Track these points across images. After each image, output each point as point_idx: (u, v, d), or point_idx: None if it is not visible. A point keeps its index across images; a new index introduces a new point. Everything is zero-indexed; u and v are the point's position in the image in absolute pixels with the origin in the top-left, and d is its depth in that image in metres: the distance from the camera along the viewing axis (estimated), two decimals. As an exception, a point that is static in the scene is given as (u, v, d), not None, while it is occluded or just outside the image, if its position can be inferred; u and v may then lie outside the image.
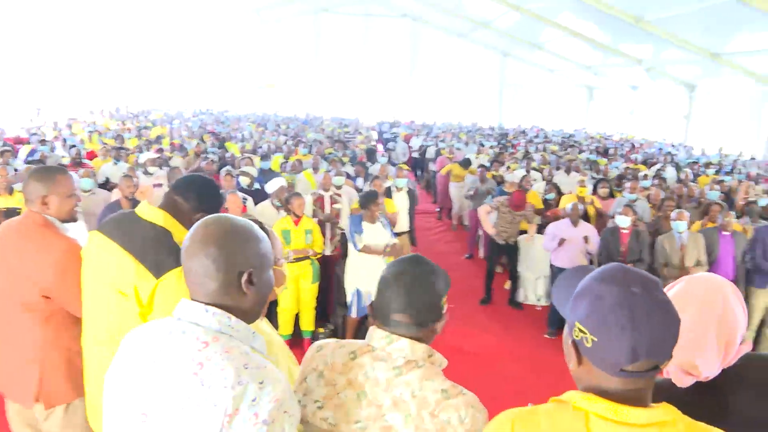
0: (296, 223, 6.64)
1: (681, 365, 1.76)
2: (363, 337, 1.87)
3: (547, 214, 9.10)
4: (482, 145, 16.75)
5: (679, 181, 11.29)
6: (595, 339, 1.35)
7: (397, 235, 7.55)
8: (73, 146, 11.72)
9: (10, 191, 6.94)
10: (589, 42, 21.09)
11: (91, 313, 2.62)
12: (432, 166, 16.05)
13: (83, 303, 2.66)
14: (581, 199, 8.55)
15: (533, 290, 8.91)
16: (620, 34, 19.14)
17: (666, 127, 23.63)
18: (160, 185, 8.33)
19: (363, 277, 6.46)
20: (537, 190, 9.82)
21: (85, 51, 22.96)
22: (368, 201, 6.51)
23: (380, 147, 19.98)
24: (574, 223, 7.62)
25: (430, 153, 17.31)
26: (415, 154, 19.00)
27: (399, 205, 8.35)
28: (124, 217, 2.63)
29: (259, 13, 25.45)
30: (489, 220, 8.56)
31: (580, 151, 17.55)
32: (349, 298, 6.66)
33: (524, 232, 8.80)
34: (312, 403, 1.80)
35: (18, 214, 4.24)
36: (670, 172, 13.19)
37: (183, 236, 2.54)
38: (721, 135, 20.59)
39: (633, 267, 1.41)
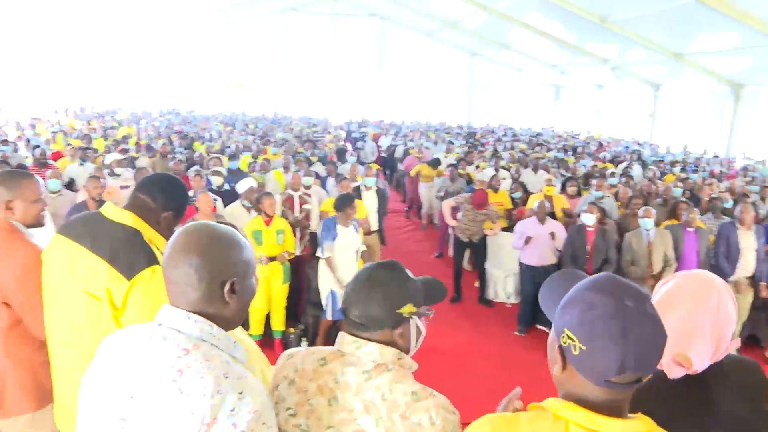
0: (267, 223, 6.61)
1: (674, 357, 1.79)
2: (334, 339, 1.88)
3: (515, 213, 9.18)
4: (451, 144, 16.80)
5: (648, 179, 11.44)
6: (584, 348, 1.35)
7: (367, 234, 7.55)
8: (37, 146, 11.53)
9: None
10: (556, 41, 21.28)
11: (56, 318, 2.56)
12: (401, 166, 16.08)
13: (47, 308, 2.59)
14: (548, 198, 8.62)
15: (503, 288, 8.97)
16: (586, 34, 19.35)
17: (632, 125, 23.94)
18: (127, 187, 8.22)
19: (337, 279, 6.46)
20: (505, 189, 9.90)
21: (48, 49, 22.57)
22: (344, 204, 6.49)
23: (349, 146, 19.94)
24: (541, 221, 7.68)
25: (399, 152, 17.32)
26: (384, 154, 19.02)
27: (368, 204, 8.34)
28: (90, 218, 2.58)
29: (227, 13, 25.24)
30: (450, 214, 8.65)
31: (548, 150, 17.72)
32: (324, 301, 6.63)
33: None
34: (284, 410, 1.79)
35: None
36: (636, 170, 13.38)
37: (152, 236, 2.52)
38: (685, 133, 20.94)
39: (622, 278, 1.42)
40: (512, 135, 23.56)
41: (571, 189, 9.54)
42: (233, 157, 10.43)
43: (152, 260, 2.43)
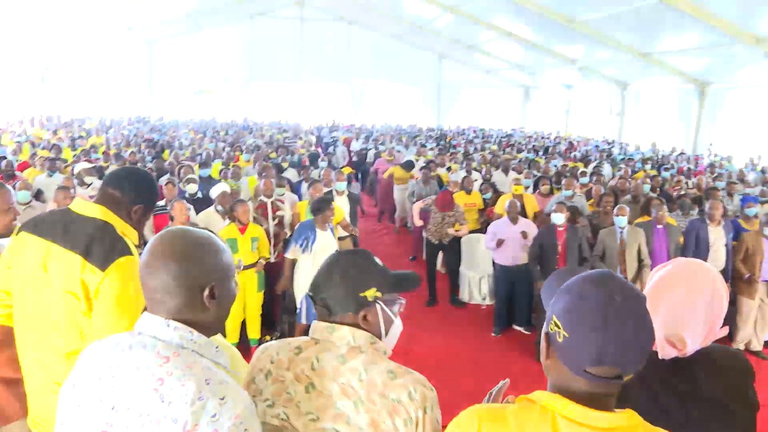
0: (242, 231, 6.56)
1: (669, 337, 1.84)
2: None
3: (486, 213, 9.24)
4: (423, 146, 16.84)
5: (620, 177, 11.57)
6: (567, 335, 1.37)
7: (340, 239, 7.54)
8: (3, 158, 11.33)
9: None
10: (524, 43, 21.43)
11: (28, 319, 2.51)
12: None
13: (17, 309, 2.55)
14: (518, 197, 8.65)
15: (478, 289, 9.00)
16: (554, 35, 19.50)
17: (601, 124, 24.19)
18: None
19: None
20: (477, 190, 9.96)
21: (12, 57, 22.21)
22: (322, 207, 6.47)
23: (319, 151, 19.91)
24: (513, 221, 7.72)
25: (371, 156, 17.32)
26: (356, 158, 19.02)
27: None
28: (59, 215, 2.54)
29: (194, 19, 25.02)
30: (419, 216, 8.69)
31: (519, 151, 17.85)
32: (299, 304, 6.61)
33: (471, 233, 8.94)
34: (262, 402, 1.79)
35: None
36: (606, 169, 13.53)
37: (124, 229, 2.50)
38: (653, 131, 21.21)
39: (621, 276, 1.44)
40: (483, 136, 23.69)
41: (544, 188, 9.61)
42: (204, 164, 10.34)
43: (125, 251, 2.42)
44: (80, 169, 8.96)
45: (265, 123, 27.08)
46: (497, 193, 9.87)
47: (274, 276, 7.27)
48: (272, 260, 7.18)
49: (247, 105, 30.10)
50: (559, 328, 1.40)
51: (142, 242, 7.10)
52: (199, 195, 8.28)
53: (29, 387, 2.59)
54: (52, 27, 19.44)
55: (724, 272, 7.42)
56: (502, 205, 8.88)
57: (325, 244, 6.39)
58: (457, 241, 8.75)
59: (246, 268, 6.52)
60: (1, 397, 2.63)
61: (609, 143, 21.02)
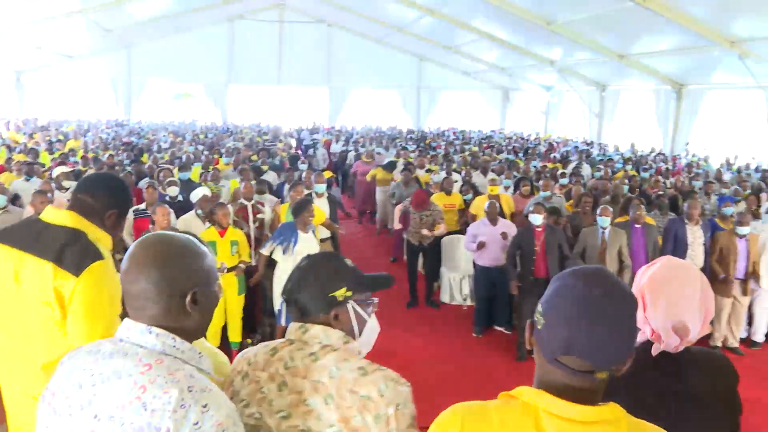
0: (222, 234, 6.53)
1: (674, 324, 1.89)
2: None
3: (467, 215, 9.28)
4: (405, 149, 16.86)
5: (600, 177, 11.68)
6: (544, 322, 1.41)
7: (322, 240, 7.55)
8: (-22, 162, 11.20)
9: None
10: (503, 45, 21.51)
11: (0, 330, 2.49)
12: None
13: None
14: (494, 197, 8.67)
15: (459, 290, 9.03)
16: (532, 37, 19.58)
17: (580, 125, 24.36)
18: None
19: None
20: (457, 191, 10.00)
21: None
22: (301, 209, 6.47)
23: (300, 153, 19.86)
24: (493, 222, 7.76)
25: (351, 158, 17.32)
26: (336, 160, 19.02)
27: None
28: (30, 224, 2.52)
29: (173, 22, 24.85)
30: (399, 218, 8.73)
31: (499, 152, 17.94)
32: (278, 306, 6.60)
33: (447, 234, 8.96)
34: (239, 403, 1.80)
35: None
36: (586, 170, 13.65)
37: (98, 235, 2.47)
38: (631, 132, 21.41)
39: (613, 275, 1.45)
40: (462, 138, 23.77)
41: (525, 189, 9.66)
42: (184, 167, 10.28)
43: (98, 256, 2.39)
44: (58, 173, 8.88)
45: (245, 126, 26.97)
46: (478, 194, 9.92)
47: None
48: (253, 263, 7.16)
49: (227, 108, 29.96)
50: (539, 315, 1.43)
51: (123, 247, 7.05)
52: (180, 198, 8.25)
53: (6, 399, 2.56)
54: (26, 30, 19.21)
55: (702, 271, 7.50)
56: (477, 206, 8.95)
57: (307, 246, 6.39)
58: (437, 242, 8.78)
59: (227, 271, 6.50)
60: None
61: (588, 144, 21.17)
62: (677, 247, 7.48)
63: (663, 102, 19.52)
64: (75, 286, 2.32)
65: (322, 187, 8.74)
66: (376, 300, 1.99)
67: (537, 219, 7.12)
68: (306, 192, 8.39)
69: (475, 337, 7.82)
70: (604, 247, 7.17)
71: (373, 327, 1.98)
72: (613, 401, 1.41)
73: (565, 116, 26.23)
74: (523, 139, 24.33)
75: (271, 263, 6.73)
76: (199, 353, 1.60)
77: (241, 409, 1.78)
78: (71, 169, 9.58)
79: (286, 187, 9.82)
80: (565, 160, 15.28)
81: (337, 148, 20.05)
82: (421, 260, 9.10)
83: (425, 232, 8.40)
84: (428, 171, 12.51)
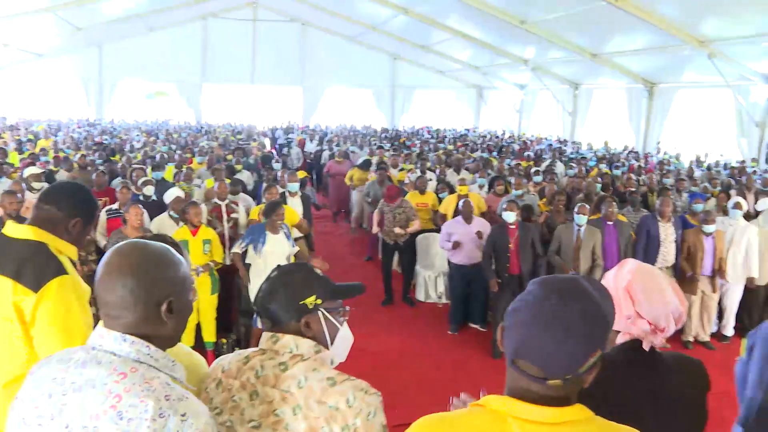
0: (194, 233, 6.49)
1: (656, 322, 1.94)
2: None
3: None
4: (381, 148, 16.84)
5: (574, 175, 11.76)
6: (506, 324, 1.44)
7: (295, 240, 7.53)
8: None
9: None
10: (477, 44, 21.59)
11: None
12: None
13: None
14: (464, 197, 8.68)
15: (434, 288, 9.06)
16: (506, 36, 19.68)
17: (554, 124, 24.52)
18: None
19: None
20: (431, 190, 10.02)
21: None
22: (270, 211, 6.44)
23: (274, 153, 19.78)
24: (467, 220, 7.80)
25: (325, 158, 17.27)
26: (310, 159, 18.97)
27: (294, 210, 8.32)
28: None
29: (145, 20, 24.59)
30: (377, 221, 8.76)
31: (473, 150, 18.00)
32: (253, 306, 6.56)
33: (422, 232, 8.99)
34: (212, 410, 1.80)
35: None
36: (559, 168, 13.75)
37: (60, 246, 2.44)
38: (604, 130, 21.64)
39: (583, 284, 1.44)
40: (437, 137, 23.82)
41: (499, 188, 9.70)
42: (158, 167, 10.18)
43: (60, 271, 2.36)
44: (28, 174, 8.73)
45: (219, 125, 26.79)
46: (453, 193, 9.94)
47: (229, 278, 7.21)
48: (227, 262, 7.12)
49: (201, 107, 29.74)
50: (507, 317, 1.46)
51: (95, 248, 6.93)
52: (153, 198, 8.17)
53: None
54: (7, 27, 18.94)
55: (674, 267, 7.62)
56: (446, 206, 9.00)
57: (277, 247, 6.37)
58: (412, 240, 8.80)
59: (200, 274, 6.46)
60: None
61: (561, 142, 21.33)
62: (650, 243, 7.58)
63: (635, 100, 19.75)
64: (36, 303, 2.29)
65: (295, 186, 8.72)
66: (347, 308, 2.01)
67: (510, 216, 7.16)
68: (280, 191, 8.37)
69: (451, 335, 7.85)
70: (579, 245, 7.23)
71: (345, 336, 1.98)
72: (583, 402, 1.42)
73: (539, 115, 26.39)
74: (497, 137, 24.45)
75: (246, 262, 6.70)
76: (173, 361, 1.58)
77: (214, 417, 1.77)
78: (42, 170, 9.43)
79: (263, 186, 9.78)
80: (538, 159, 15.37)
81: (311, 147, 19.99)
82: (396, 258, 9.12)
83: (398, 230, 8.42)
84: (402, 170, 12.53)
